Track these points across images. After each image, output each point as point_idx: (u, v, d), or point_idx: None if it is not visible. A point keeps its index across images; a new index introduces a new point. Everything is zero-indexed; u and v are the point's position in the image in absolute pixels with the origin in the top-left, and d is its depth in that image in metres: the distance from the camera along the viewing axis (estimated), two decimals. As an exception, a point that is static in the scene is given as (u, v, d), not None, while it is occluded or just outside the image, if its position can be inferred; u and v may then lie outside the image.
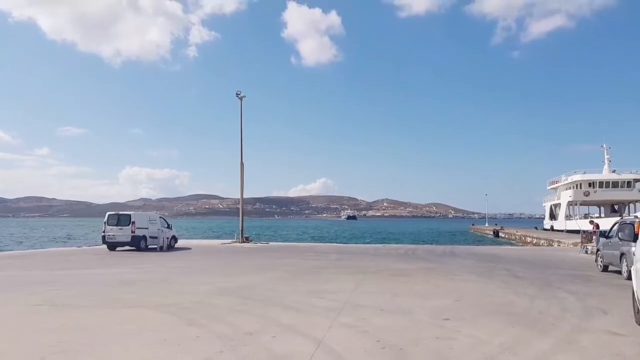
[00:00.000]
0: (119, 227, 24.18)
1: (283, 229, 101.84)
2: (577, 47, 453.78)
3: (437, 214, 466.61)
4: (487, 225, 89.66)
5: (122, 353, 5.92)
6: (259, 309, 8.80)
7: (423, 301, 9.78)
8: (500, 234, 61.92)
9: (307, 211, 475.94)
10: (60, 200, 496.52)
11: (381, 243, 40.90)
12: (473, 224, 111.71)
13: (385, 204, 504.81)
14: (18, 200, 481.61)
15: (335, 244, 39.90)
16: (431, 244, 40.30)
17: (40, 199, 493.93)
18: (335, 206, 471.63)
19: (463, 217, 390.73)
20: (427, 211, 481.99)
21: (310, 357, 5.70)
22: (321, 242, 43.28)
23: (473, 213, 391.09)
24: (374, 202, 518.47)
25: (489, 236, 64.85)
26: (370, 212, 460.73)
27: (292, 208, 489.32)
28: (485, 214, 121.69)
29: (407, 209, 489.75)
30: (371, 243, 43.27)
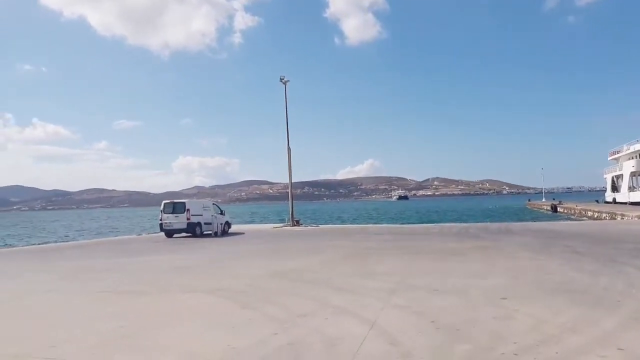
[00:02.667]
0: (175, 214, 25.02)
1: (332, 212, 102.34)
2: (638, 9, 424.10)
3: (491, 191, 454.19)
4: (544, 200, 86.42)
5: (180, 336, 6.10)
6: (310, 291, 8.86)
7: (478, 280, 9.53)
8: (558, 209, 59.47)
9: (355, 193, 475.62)
10: (120, 191, 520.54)
11: (433, 223, 40.26)
12: (529, 200, 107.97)
13: (435, 182, 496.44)
14: (81, 192, 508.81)
15: (386, 224, 39.66)
16: (485, 221, 39.26)
17: (102, 190, 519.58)
18: (384, 187, 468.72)
19: (518, 193, 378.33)
20: (479, 188, 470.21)
21: (364, 339, 5.67)
22: (372, 224, 43.17)
23: (528, 188, 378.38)
24: (424, 181, 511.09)
25: (547, 212, 62.46)
26: (421, 192, 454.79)
27: (340, 190, 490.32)
28: (541, 188, 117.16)
29: (459, 186, 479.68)
30: (423, 223, 42.70)
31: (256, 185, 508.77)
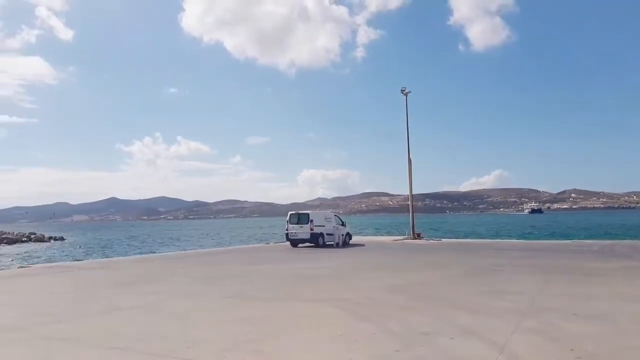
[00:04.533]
0: (300, 225, 25.93)
1: (455, 225, 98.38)
2: None
3: (639, 204, 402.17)
4: None
5: (302, 345, 6.23)
6: (433, 308, 8.53)
7: (625, 305, 8.43)
8: None
9: (481, 206, 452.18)
10: (251, 202, 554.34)
11: (570, 239, 36.70)
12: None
13: (573, 195, 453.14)
14: (217, 203, 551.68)
15: (515, 240, 37.07)
16: (635, 239, 34.76)
17: (235, 201, 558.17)
18: (513, 199, 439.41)
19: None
20: (625, 201, 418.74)
21: (492, 363, 5.29)
22: (499, 239, 40.66)
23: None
24: (559, 193, 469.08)
25: None
26: (556, 205, 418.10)
27: (464, 203, 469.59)
28: None
29: (601, 199, 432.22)
30: (558, 239, 39.12)
31: (376, 197, 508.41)
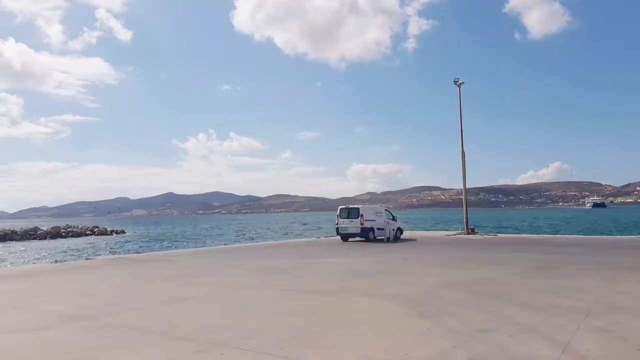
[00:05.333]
0: (350, 219, 25.95)
1: (512, 220, 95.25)
2: None
3: None
4: None
5: (357, 339, 6.27)
6: (491, 304, 8.34)
7: None
8: None
9: (538, 200, 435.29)
10: (301, 197, 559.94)
11: (637, 234, 34.71)
12: None
13: (638, 188, 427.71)
14: (269, 198, 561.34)
15: (577, 235, 35.49)
16: None
17: (286, 196, 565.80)
18: (573, 193, 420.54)
19: None
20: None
21: (555, 363, 5.12)
22: (558, 234, 39.06)
23: None
24: (624, 186, 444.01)
25: None
26: (620, 199, 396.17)
27: (520, 197, 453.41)
28: None
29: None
30: (623, 234, 37.10)
31: (427, 192, 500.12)
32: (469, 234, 31.36)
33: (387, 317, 7.58)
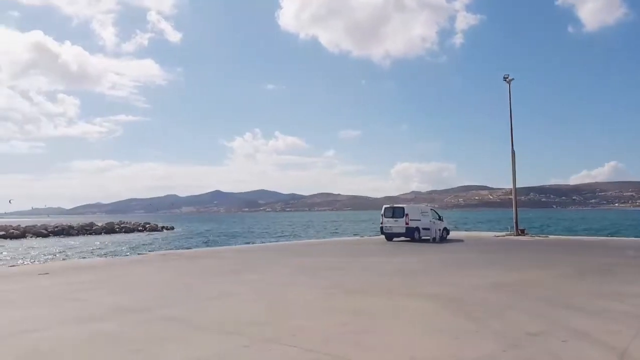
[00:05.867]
0: (394, 219, 25.71)
1: (563, 221, 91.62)
2: None
3: None
4: None
5: (402, 339, 6.21)
6: (541, 308, 8.07)
7: None
8: None
9: (592, 201, 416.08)
10: (344, 195, 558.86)
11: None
12: None
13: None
14: (312, 196, 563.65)
15: (634, 238, 33.73)
16: None
17: (328, 194, 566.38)
18: (630, 194, 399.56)
19: None
20: None
21: (611, 370, 4.90)
22: (615, 237, 37.26)
23: None
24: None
25: None
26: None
27: (573, 197, 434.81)
28: None
29: None
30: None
31: (474, 191, 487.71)
32: (519, 235, 30.43)
33: (433, 317, 7.47)
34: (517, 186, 33.08)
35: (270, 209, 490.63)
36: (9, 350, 5.96)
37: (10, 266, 18.28)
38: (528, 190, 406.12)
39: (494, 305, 8.35)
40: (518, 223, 31.39)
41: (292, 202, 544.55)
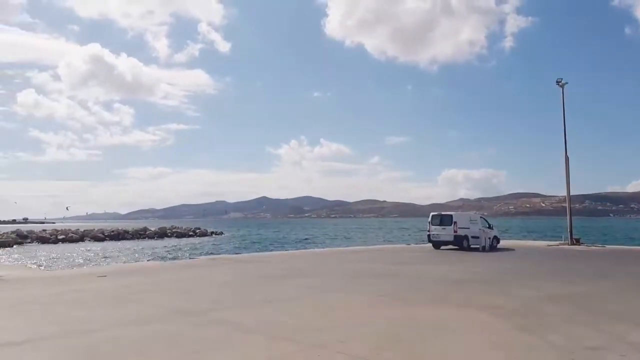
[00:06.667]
0: (442, 226, 25.29)
1: (621, 230, 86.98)
2: None
3: None
4: None
5: (455, 351, 6.14)
6: (599, 321, 7.76)
7: None
8: None
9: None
10: (390, 202, 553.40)
11: None
12: None
13: None
14: (357, 203, 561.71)
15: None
16: None
17: (374, 201, 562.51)
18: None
19: None
20: None
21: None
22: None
23: None
24: None
25: None
26: None
27: (632, 206, 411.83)
28: None
29: None
30: None
31: (526, 199, 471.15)
32: (574, 244, 29.24)
33: (485, 329, 7.34)
34: (571, 193, 31.85)
35: (315, 216, 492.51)
36: (75, 348, 6.33)
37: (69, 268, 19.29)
38: (583, 197, 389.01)
39: (549, 317, 8.09)
40: (572, 232, 30.19)
41: (337, 209, 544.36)
